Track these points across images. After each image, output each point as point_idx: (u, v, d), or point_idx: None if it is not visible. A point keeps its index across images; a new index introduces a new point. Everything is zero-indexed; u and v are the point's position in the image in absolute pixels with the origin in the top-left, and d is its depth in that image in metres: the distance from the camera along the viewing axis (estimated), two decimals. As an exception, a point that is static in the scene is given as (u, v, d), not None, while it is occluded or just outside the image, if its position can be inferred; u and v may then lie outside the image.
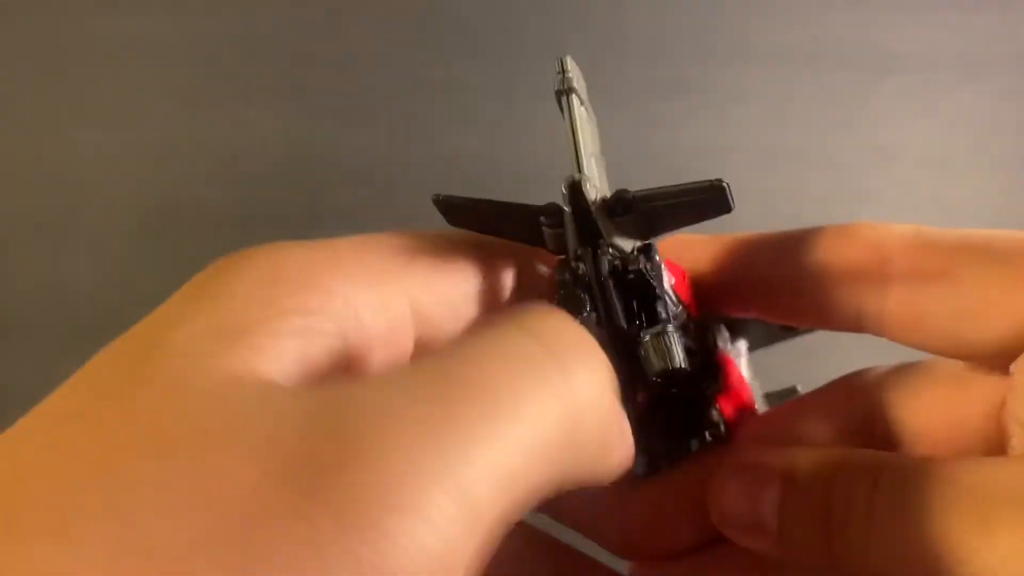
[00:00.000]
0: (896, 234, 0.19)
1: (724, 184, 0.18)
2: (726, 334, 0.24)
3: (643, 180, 0.19)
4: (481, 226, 0.19)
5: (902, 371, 0.21)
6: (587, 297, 0.19)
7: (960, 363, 0.20)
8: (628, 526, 0.22)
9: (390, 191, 0.45)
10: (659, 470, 0.23)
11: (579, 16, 0.47)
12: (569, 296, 0.20)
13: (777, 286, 0.21)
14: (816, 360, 0.20)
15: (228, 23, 0.47)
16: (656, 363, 0.19)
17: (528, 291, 0.21)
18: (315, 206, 0.45)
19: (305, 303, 0.15)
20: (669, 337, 0.19)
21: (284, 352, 0.15)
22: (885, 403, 0.21)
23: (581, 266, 0.19)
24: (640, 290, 0.20)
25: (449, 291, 0.19)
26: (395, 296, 0.17)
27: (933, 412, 0.20)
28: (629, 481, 0.23)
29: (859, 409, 0.21)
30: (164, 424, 0.13)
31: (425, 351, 0.18)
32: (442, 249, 0.19)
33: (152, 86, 0.46)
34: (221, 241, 0.45)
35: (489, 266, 0.20)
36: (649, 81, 0.46)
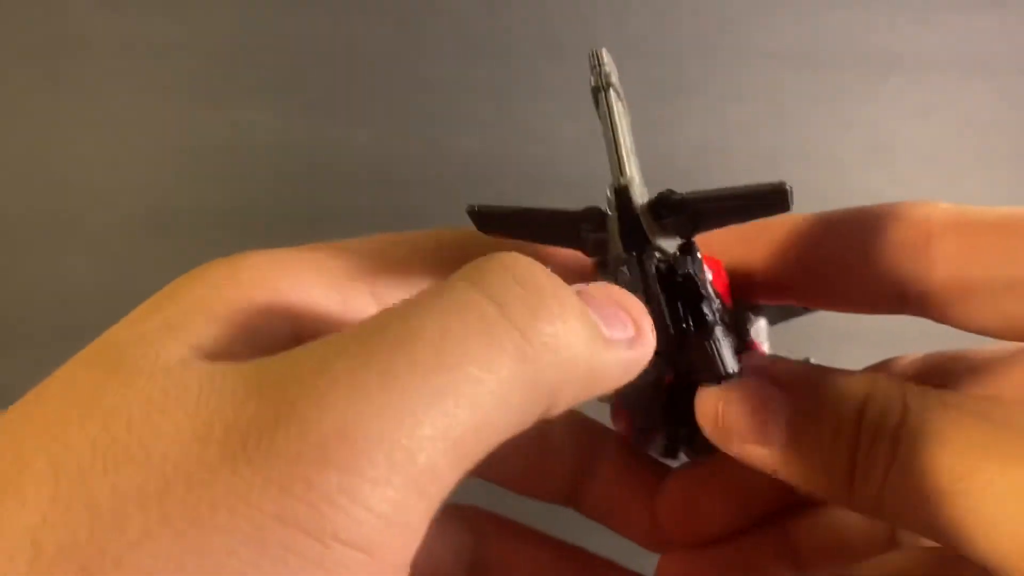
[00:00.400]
0: (940, 211, 0.19)
1: (787, 187, 0.17)
2: (751, 316, 0.24)
3: (643, 180, 0.19)
4: (516, 233, 0.19)
5: (933, 359, 0.21)
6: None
7: (998, 346, 0.19)
8: (660, 516, 0.22)
9: (390, 191, 0.45)
10: (676, 453, 0.23)
11: (579, 16, 0.47)
12: None
13: (817, 271, 0.20)
14: (825, 334, 0.20)
15: (228, 23, 0.47)
16: (708, 369, 0.19)
17: None
18: (315, 206, 0.45)
19: (252, 299, 0.16)
20: (719, 343, 0.19)
21: (232, 342, 0.15)
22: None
23: (623, 270, 0.19)
24: (687, 295, 0.19)
25: (419, 288, 0.18)
26: (358, 295, 0.17)
27: None
28: (656, 471, 0.23)
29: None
30: (107, 398, 0.13)
31: None
32: (414, 250, 0.19)
33: (152, 86, 0.46)
34: (221, 241, 0.45)
35: (463, 264, 0.19)
36: (649, 81, 0.46)
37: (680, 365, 0.19)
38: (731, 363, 0.19)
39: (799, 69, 0.47)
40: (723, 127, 0.46)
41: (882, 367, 0.22)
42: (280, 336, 0.16)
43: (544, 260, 0.20)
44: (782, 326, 0.26)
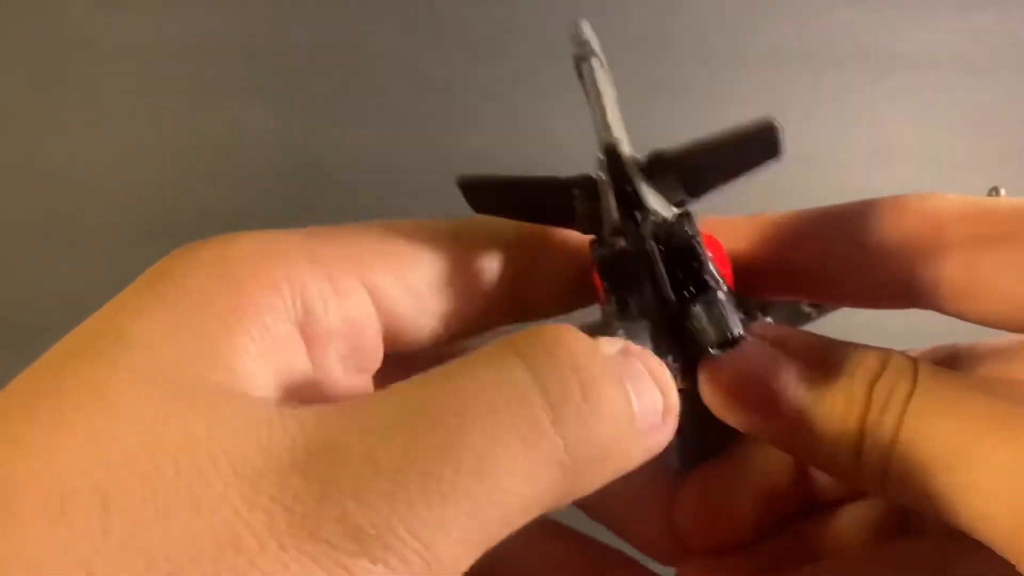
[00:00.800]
0: (949, 202, 0.18)
1: (774, 122, 0.16)
2: (758, 314, 0.23)
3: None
4: (508, 210, 0.19)
5: (937, 353, 0.21)
6: (626, 274, 0.18)
7: (1007, 338, 0.19)
8: (677, 521, 0.22)
9: (390, 191, 0.45)
10: (694, 465, 0.23)
11: (579, 16, 0.47)
12: (608, 275, 0.18)
13: (825, 265, 0.20)
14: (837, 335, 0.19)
15: (228, 23, 0.47)
16: (713, 333, 0.18)
17: (526, 281, 0.20)
18: (315, 206, 0.45)
19: (258, 299, 0.16)
20: (723, 304, 0.18)
21: (246, 355, 0.15)
22: None
23: (619, 240, 0.18)
24: (686, 260, 0.18)
25: (412, 279, 0.18)
26: (350, 284, 0.17)
27: None
28: (670, 478, 0.23)
29: None
30: (153, 428, 0.13)
31: (394, 342, 0.18)
32: (406, 236, 0.18)
33: (151, 86, 0.46)
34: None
35: (465, 255, 0.19)
36: (649, 82, 0.46)
37: (683, 336, 0.19)
38: (735, 325, 0.18)
39: (799, 69, 0.47)
40: (723, 127, 0.45)
41: None
42: (282, 338, 0.16)
43: (546, 247, 0.20)
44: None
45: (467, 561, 0.14)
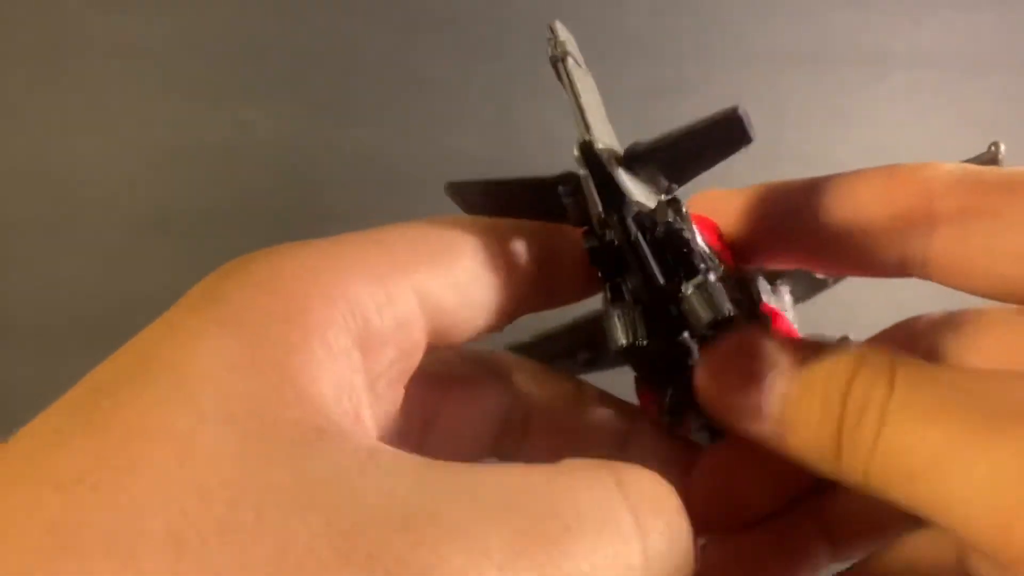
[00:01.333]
0: (942, 172, 0.18)
1: (740, 111, 0.17)
2: (767, 286, 0.23)
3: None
4: (498, 210, 0.19)
5: (955, 317, 0.20)
6: (618, 263, 0.19)
7: (1011, 308, 0.19)
8: (693, 498, 0.22)
9: (390, 191, 0.45)
10: (715, 434, 0.23)
11: (579, 16, 0.47)
12: (600, 264, 0.19)
13: (817, 233, 0.20)
14: (866, 310, 0.19)
15: (228, 23, 0.47)
16: (703, 314, 0.18)
17: (549, 267, 0.20)
18: (315, 206, 0.45)
19: (318, 316, 0.15)
20: (712, 285, 0.19)
21: (317, 381, 0.14)
22: (940, 351, 0.20)
23: (609, 232, 0.19)
24: (673, 246, 0.19)
25: (457, 274, 0.18)
26: (400, 289, 0.17)
27: (990, 360, 0.19)
28: (689, 454, 0.23)
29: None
30: (228, 470, 0.12)
31: (437, 338, 0.18)
32: (444, 232, 0.18)
33: (151, 86, 0.46)
34: (221, 241, 0.45)
35: (499, 245, 0.19)
36: (649, 82, 0.46)
37: (675, 320, 0.19)
38: (724, 306, 0.18)
39: (799, 69, 0.47)
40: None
41: (907, 326, 0.21)
42: (345, 356, 0.15)
43: (565, 234, 0.20)
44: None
45: None
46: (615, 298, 0.19)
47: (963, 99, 0.47)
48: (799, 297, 0.24)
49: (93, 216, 0.45)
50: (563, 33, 0.19)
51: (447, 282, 0.18)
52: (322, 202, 0.45)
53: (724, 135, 0.17)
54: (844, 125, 0.46)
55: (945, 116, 0.47)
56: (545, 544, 0.13)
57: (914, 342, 0.21)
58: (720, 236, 0.21)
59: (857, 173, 0.19)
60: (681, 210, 0.19)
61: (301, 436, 0.13)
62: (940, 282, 0.19)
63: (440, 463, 0.14)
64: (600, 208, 0.18)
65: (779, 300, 0.23)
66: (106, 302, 0.43)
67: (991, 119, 0.47)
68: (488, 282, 0.18)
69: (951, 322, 0.20)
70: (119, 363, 0.14)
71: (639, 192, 0.18)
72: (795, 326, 0.23)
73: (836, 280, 0.24)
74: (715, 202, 0.21)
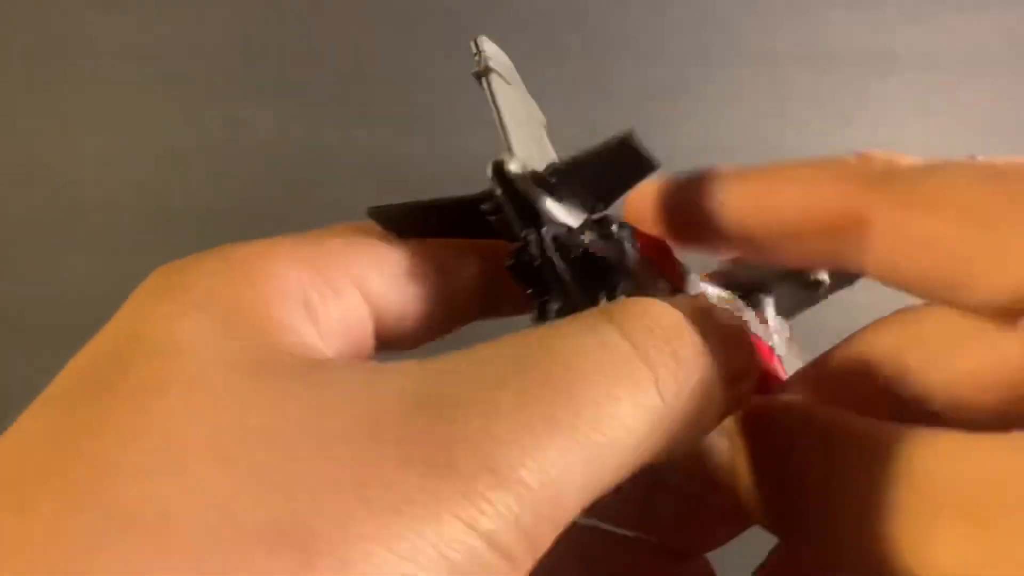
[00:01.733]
0: (882, 165, 0.17)
1: (631, 135, 0.16)
2: (741, 304, 0.22)
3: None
4: (428, 232, 0.19)
5: (906, 318, 0.19)
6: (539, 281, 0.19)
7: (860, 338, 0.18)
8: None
9: (390, 191, 0.45)
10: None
11: (578, 16, 0.47)
12: (522, 282, 0.19)
13: (761, 225, 0.19)
14: (866, 311, 0.19)
15: (228, 23, 0.47)
16: None
17: (495, 273, 0.20)
18: (315, 206, 0.45)
19: (275, 289, 0.16)
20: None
21: (304, 332, 0.15)
22: (902, 362, 0.18)
23: (528, 250, 0.18)
24: (595, 264, 0.19)
25: (395, 268, 0.18)
26: (343, 282, 0.17)
27: (956, 367, 0.17)
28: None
29: (875, 373, 0.18)
30: (249, 398, 0.13)
31: (384, 338, 0.18)
32: (380, 231, 0.19)
33: (151, 86, 0.46)
34: (221, 241, 0.45)
35: (437, 246, 0.19)
36: (647, 82, 0.46)
37: None
38: None
39: (799, 69, 0.47)
40: (723, 127, 0.45)
41: (863, 338, 0.19)
42: (287, 324, 0.16)
43: (497, 250, 0.20)
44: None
45: (579, 509, 0.14)
46: (540, 316, 0.19)
47: (963, 99, 0.47)
48: (788, 311, 0.24)
49: (93, 216, 0.45)
50: (490, 49, 0.19)
51: (386, 277, 0.18)
52: (322, 202, 0.45)
53: (631, 159, 0.17)
54: (844, 125, 0.46)
55: (945, 116, 0.47)
56: (551, 390, 0.14)
57: (874, 358, 0.19)
58: (671, 255, 0.21)
59: (792, 162, 0.18)
60: (611, 228, 0.19)
61: (304, 365, 0.14)
62: (875, 279, 0.18)
63: (438, 358, 0.15)
64: (518, 227, 0.18)
65: (759, 320, 0.23)
66: (106, 302, 0.42)
67: (991, 119, 0.47)
68: (429, 279, 0.19)
69: (904, 324, 0.19)
70: (103, 348, 0.15)
71: (561, 211, 0.18)
72: (779, 349, 0.22)
73: (829, 292, 0.24)
74: (636, 197, 0.20)
